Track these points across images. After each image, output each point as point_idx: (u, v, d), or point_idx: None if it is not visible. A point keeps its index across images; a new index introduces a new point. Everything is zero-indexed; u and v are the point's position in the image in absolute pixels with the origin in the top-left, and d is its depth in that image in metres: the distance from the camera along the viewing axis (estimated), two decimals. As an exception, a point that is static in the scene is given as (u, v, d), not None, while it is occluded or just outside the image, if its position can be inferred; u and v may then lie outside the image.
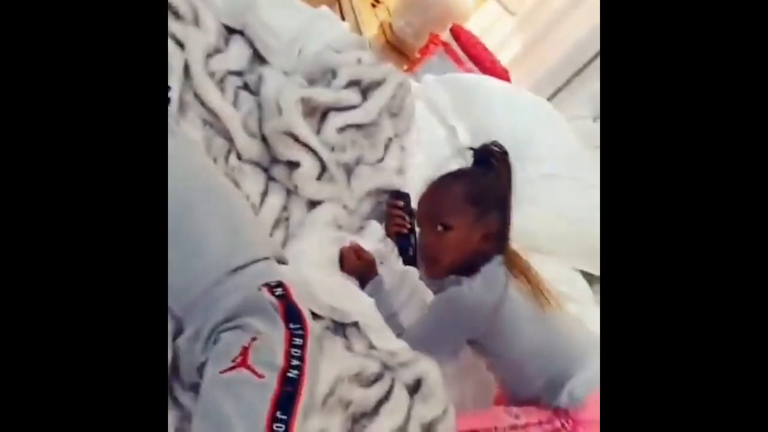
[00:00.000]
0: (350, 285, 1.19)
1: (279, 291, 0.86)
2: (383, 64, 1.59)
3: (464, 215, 1.15)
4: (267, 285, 0.86)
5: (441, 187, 1.21)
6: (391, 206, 1.44)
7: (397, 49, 3.12)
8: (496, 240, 1.17)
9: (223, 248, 0.89)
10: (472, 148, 1.27)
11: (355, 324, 1.02)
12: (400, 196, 1.45)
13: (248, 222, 1.00)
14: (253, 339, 0.79)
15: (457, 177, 1.23)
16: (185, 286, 0.86)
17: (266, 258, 0.93)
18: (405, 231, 1.41)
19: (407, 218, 1.42)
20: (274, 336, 0.81)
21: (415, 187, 1.39)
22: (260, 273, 0.89)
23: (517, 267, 1.15)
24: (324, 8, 1.83)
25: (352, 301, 1.10)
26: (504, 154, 1.22)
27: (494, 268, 1.13)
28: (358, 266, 1.23)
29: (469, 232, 1.16)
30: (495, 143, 1.24)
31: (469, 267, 1.15)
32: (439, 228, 1.15)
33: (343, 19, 2.76)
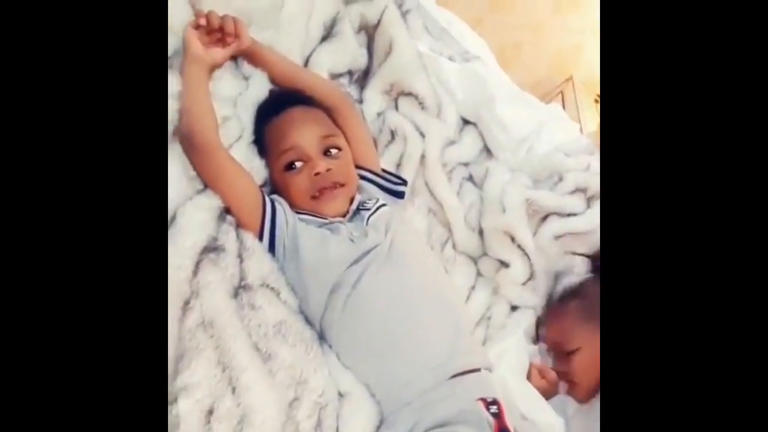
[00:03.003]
0: (541, 397, 1.15)
1: (494, 409, 0.85)
2: (612, 174, 1.53)
3: (585, 332, 1.14)
4: (483, 400, 0.85)
5: (556, 310, 1.22)
6: None
7: (616, 148, 3.01)
8: None
9: (446, 352, 0.90)
10: (587, 256, 1.26)
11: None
12: None
13: (467, 328, 1.00)
14: None
15: (567, 296, 1.23)
16: (405, 382, 0.88)
17: (480, 369, 0.92)
18: None
19: None
20: None
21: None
22: (477, 385, 0.89)
23: None
24: (557, 106, 1.83)
25: (545, 414, 1.07)
26: None
27: None
28: (541, 385, 1.18)
29: (597, 345, 1.12)
30: None
31: None
32: (568, 353, 1.14)
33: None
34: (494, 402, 0.87)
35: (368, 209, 1.05)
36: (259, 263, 0.93)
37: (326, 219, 1.03)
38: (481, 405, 0.85)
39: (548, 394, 1.18)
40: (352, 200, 1.08)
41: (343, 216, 1.05)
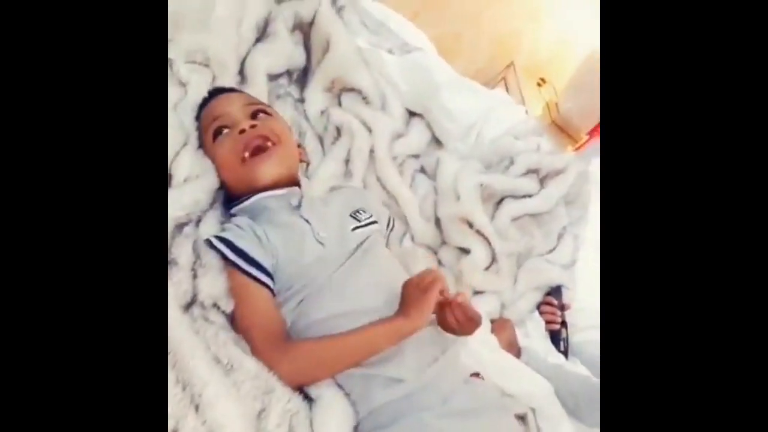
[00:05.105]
0: (525, 366, 1.13)
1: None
2: (563, 152, 1.53)
3: None
4: None
5: None
6: (544, 303, 1.37)
7: (562, 129, 3.05)
8: None
9: (417, 368, 0.88)
10: None
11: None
12: (553, 290, 1.37)
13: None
14: None
15: None
16: (378, 393, 0.85)
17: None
18: (556, 327, 1.32)
19: (559, 312, 1.34)
20: None
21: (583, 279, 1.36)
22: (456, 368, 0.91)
23: None
24: (501, 92, 1.83)
25: (525, 383, 1.04)
26: None
27: None
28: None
29: None
30: None
31: None
32: None
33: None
34: (475, 374, 0.90)
35: (360, 221, 1.02)
36: (213, 282, 0.88)
37: (282, 192, 0.99)
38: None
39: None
40: (297, 179, 1.04)
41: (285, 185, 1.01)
